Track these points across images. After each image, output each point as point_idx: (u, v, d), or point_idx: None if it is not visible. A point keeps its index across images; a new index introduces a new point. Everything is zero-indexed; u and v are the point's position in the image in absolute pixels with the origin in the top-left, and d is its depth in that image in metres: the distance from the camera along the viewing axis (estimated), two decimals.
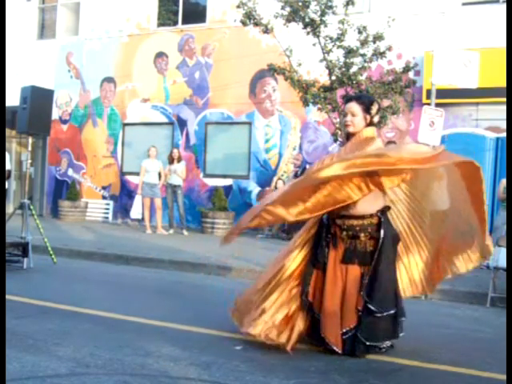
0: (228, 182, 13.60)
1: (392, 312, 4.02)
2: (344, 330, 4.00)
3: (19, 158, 16.35)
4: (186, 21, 14.54)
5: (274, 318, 4.10)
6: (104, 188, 15.26)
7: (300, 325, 4.14)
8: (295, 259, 4.23)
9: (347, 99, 4.45)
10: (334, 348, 4.00)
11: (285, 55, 10.19)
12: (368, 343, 3.99)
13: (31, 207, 7.91)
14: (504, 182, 8.21)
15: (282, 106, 13.17)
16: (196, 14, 14.47)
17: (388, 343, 4.14)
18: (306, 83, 9.98)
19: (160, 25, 14.92)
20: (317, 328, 4.11)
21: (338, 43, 9.82)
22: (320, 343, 4.10)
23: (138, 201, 12.50)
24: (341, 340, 4.01)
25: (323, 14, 9.74)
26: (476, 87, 8.20)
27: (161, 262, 8.37)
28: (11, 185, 15.40)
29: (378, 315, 3.97)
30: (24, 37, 16.14)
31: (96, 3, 15.49)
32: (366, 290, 4.00)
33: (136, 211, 12.52)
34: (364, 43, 9.84)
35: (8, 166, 8.84)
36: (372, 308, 3.96)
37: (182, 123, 14.34)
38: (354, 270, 4.07)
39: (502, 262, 6.42)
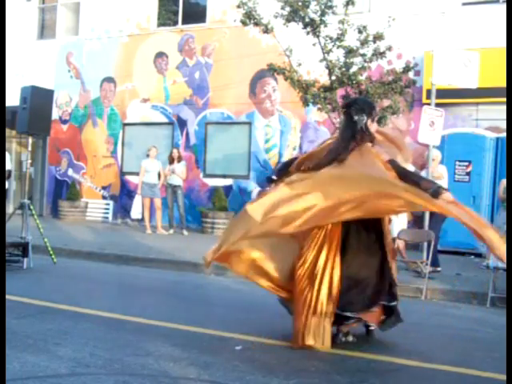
0: (228, 181, 13.59)
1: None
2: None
3: (19, 158, 16.32)
4: (186, 21, 14.53)
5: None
6: (104, 188, 15.25)
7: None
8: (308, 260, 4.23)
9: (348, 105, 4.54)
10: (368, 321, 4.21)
11: (285, 55, 10.19)
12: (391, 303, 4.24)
13: (31, 207, 7.91)
14: (504, 182, 8.20)
15: (281, 106, 13.16)
16: (196, 14, 14.45)
17: None
18: (305, 83, 9.98)
19: (160, 25, 14.90)
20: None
21: (337, 43, 9.81)
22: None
23: (137, 201, 12.51)
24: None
25: (323, 13, 9.74)
26: (476, 87, 8.19)
27: (161, 262, 8.37)
28: (11, 185, 15.35)
29: None
30: (24, 37, 16.12)
31: (96, 3, 15.48)
32: None
33: (136, 211, 12.53)
34: (364, 43, 9.83)
35: (8, 166, 8.86)
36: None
37: (182, 123, 14.33)
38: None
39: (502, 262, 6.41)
